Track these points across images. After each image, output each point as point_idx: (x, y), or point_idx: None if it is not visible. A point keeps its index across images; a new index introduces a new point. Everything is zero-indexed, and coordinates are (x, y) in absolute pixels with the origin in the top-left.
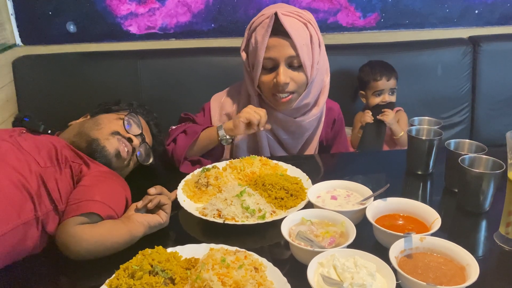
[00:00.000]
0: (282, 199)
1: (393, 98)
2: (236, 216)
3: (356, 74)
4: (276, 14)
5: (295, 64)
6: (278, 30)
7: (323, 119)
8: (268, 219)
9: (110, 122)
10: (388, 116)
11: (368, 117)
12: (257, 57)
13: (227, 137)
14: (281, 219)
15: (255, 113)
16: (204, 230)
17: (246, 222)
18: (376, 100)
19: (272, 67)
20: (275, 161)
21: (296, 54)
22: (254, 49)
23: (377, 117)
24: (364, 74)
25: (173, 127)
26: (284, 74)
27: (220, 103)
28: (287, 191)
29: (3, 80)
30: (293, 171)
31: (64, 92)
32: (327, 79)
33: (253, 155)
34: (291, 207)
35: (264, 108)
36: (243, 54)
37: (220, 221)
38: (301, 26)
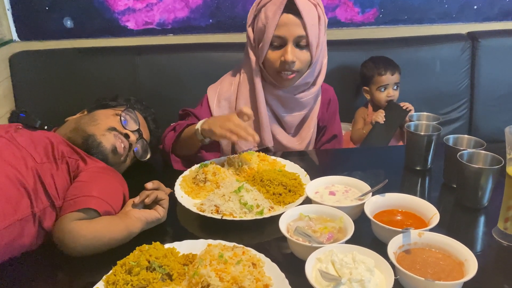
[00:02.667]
0: (280, 194)
1: (396, 93)
2: (234, 212)
3: (355, 69)
4: None
5: (302, 43)
6: (290, 8)
7: (319, 98)
8: (266, 214)
9: (106, 118)
10: (413, 110)
11: (380, 117)
12: (266, 34)
13: (203, 137)
14: (279, 215)
15: (233, 132)
16: (202, 226)
17: (244, 218)
18: (381, 95)
19: (279, 45)
20: (273, 157)
21: (306, 34)
22: (263, 25)
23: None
24: (367, 69)
25: (173, 124)
26: (292, 53)
27: (217, 91)
28: (285, 187)
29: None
30: (291, 167)
31: (61, 88)
32: (325, 61)
33: (251, 151)
34: (289, 203)
35: (264, 85)
36: (249, 30)
37: (218, 217)
38: (312, 7)
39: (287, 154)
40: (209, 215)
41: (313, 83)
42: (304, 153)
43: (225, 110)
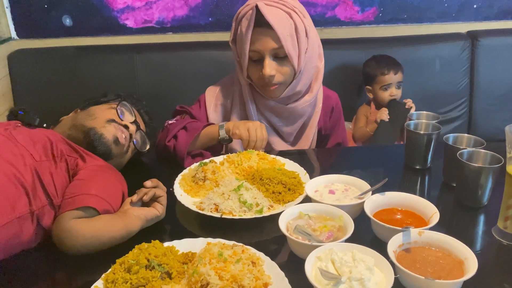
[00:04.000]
0: (279, 193)
1: (399, 92)
2: (233, 210)
3: (355, 68)
4: (257, 5)
5: (280, 55)
6: (262, 21)
7: (320, 106)
8: (266, 213)
9: (103, 111)
10: (413, 108)
11: (384, 114)
12: (243, 50)
13: (227, 137)
14: (279, 213)
15: (252, 133)
16: (201, 224)
17: (244, 217)
18: (384, 95)
19: (258, 59)
20: (272, 156)
21: (280, 46)
22: (240, 41)
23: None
24: (371, 68)
25: (170, 121)
26: (269, 67)
27: (215, 94)
28: (285, 186)
29: None
30: (290, 166)
31: (60, 86)
32: (321, 64)
33: (251, 150)
34: (288, 201)
35: (256, 96)
36: (232, 45)
37: (218, 215)
38: (284, 16)
39: (287, 153)
40: (209, 213)
41: (308, 91)
42: (303, 151)
43: (220, 116)
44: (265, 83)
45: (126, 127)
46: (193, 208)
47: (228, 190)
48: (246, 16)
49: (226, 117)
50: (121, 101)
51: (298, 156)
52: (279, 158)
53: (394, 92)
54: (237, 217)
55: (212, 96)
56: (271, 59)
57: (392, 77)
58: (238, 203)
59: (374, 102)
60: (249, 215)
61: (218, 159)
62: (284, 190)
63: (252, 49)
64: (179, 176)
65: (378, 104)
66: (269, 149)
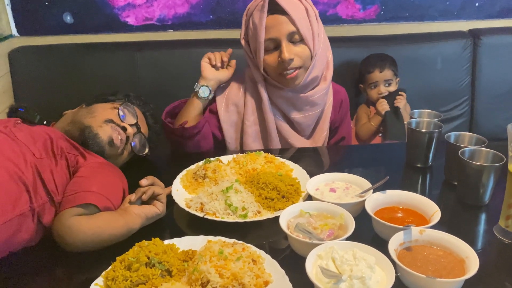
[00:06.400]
0: (272, 199)
1: (391, 89)
2: (217, 211)
3: (356, 66)
4: None
5: (296, 39)
6: (274, 9)
7: (331, 99)
8: (250, 219)
9: (104, 110)
10: (402, 102)
11: (385, 105)
12: (258, 39)
13: (201, 88)
14: (263, 220)
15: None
16: (202, 222)
17: (225, 219)
18: (372, 93)
19: (274, 47)
20: (282, 159)
21: (296, 29)
22: (253, 33)
23: (395, 102)
24: (361, 66)
25: None
26: (288, 51)
27: (225, 95)
28: (279, 193)
29: None
30: (298, 172)
31: (61, 83)
32: (330, 55)
33: (259, 151)
34: (279, 209)
35: (271, 91)
36: (243, 42)
37: (201, 215)
38: (295, 1)
39: (287, 151)
40: (193, 212)
41: (322, 78)
42: (304, 149)
43: (233, 115)
44: (284, 69)
45: (124, 129)
46: (183, 204)
47: (218, 191)
48: (257, 8)
49: (239, 117)
50: (125, 102)
51: (300, 154)
52: (288, 162)
53: (382, 90)
54: (219, 219)
55: (222, 97)
56: (288, 43)
57: (378, 75)
58: (224, 205)
59: (366, 101)
60: (231, 219)
61: (227, 158)
62: (278, 197)
63: (268, 38)
64: (184, 171)
65: (371, 103)
66: (285, 145)
